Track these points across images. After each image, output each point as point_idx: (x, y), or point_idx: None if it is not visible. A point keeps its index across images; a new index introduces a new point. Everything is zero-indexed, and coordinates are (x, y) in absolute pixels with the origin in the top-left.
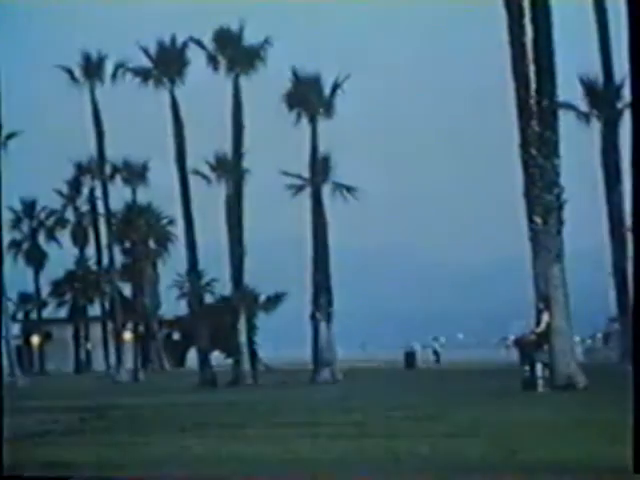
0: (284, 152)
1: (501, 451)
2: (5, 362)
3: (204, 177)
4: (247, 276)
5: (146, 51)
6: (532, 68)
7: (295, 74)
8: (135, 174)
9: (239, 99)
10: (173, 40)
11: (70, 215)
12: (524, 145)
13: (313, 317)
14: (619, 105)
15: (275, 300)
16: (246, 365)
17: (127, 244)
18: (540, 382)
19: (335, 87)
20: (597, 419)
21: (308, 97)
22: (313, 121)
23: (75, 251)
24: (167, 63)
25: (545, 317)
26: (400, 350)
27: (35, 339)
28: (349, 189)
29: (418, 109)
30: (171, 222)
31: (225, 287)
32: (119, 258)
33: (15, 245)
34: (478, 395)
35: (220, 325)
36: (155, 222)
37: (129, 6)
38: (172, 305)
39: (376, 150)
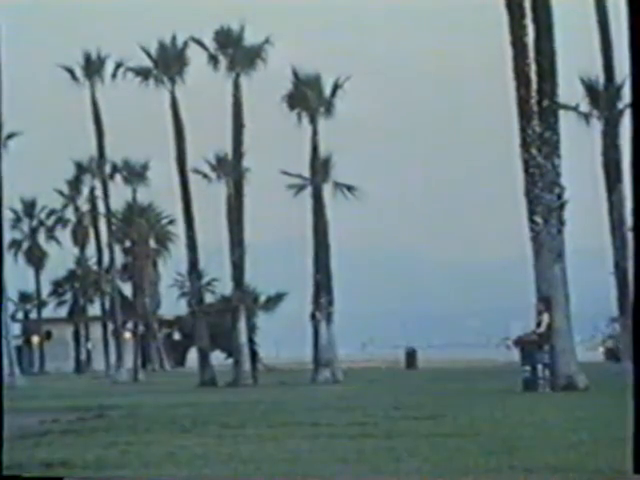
0: (284, 152)
1: (501, 451)
2: (5, 361)
3: (204, 176)
4: (247, 276)
5: (146, 50)
6: (533, 68)
7: (295, 74)
8: (135, 173)
9: (239, 99)
10: (173, 40)
11: (70, 214)
12: (525, 145)
13: (313, 317)
14: (620, 105)
15: (275, 300)
16: (246, 365)
17: (127, 243)
18: (541, 382)
19: (336, 87)
20: (597, 419)
21: (308, 97)
22: (314, 121)
23: (75, 251)
24: (167, 63)
25: (546, 317)
26: (401, 350)
27: (35, 339)
28: (350, 189)
29: (418, 109)
30: (171, 221)
31: (225, 287)
32: (119, 258)
33: (15, 244)
34: (478, 395)
35: (220, 325)
36: (155, 221)
37: (129, 6)
38: (172, 305)
39: (377, 150)
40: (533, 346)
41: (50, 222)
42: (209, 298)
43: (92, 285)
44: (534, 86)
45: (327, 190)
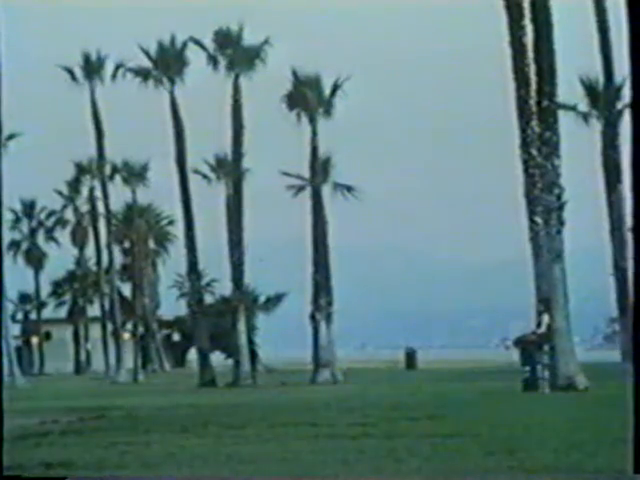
0: (284, 152)
1: (501, 451)
2: (5, 362)
3: (204, 177)
4: (247, 276)
5: (146, 51)
6: (532, 68)
7: (295, 74)
8: (135, 174)
9: (239, 99)
10: (173, 40)
11: (70, 215)
12: (524, 145)
13: (313, 317)
14: (619, 105)
15: (275, 300)
16: (246, 365)
17: (127, 244)
18: (541, 383)
19: (335, 87)
20: (597, 419)
21: (308, 97)
22: (313, 121)
23: (75, 251)
24: (167, 63)
25: (545, 318)
26: (400, 350)
27: (35, 339)
28: (349, 189)
29: (418, 108)
30: (171, 222)
31: (225, 287)
32: (119, 258)
33: (15, 245)
34: (478, 395)
35: (220, 325)
36: (155, 222)
37: (129, 6)
38: (172, 305)
39: (377, 150)
40: (533, 346)
41: (49, 223)
42: (209, 299)
43: (91, 286)
44: (533, 86)
45: (326, 190)
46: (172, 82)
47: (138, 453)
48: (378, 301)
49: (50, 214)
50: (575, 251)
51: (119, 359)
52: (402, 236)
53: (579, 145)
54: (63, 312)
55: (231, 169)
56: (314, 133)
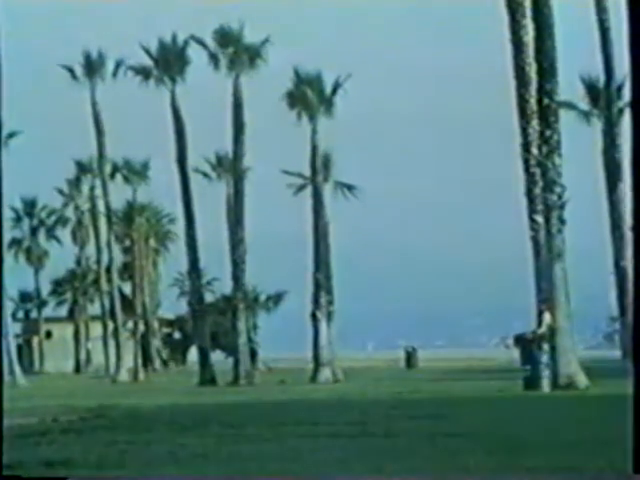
0: (285, 151)
1: (501, 451)
2: (5, 361)
3: (205, 176)
4: (248, 275)
5: (147, 50)
6: (533, 67)
7: (296, 73)
8: (136, 172)
9: (240, 98)
10: (174, 39)
11: (70, 214)
12: (525, 144)
13: (314, 316)
14: (620, 104)
15: (276, 299)
16: (246, 364)
17: (127, 243)
18: (541, 382)
19: (336, 86)
20: (598, 419)
21: (308, 96)
22: (314, 120)
23: (75, 250)
24: (168, 62)
25: (546, 317)
26: (401, 349)
27: (35, 338)
28: (350, 188)
29: (418, 108)
30: (172, 221)
31: (226, 286)
32: (119, 257)
33: (15, 244)
34: (478, 395)
35: (220, 324)
36: (156, 221)
37: (129, 5)
38: (172, 304)
39: (377, 149)
40: (533, 345)
41: (50, 221)
42: (209, 297)
43: (92, 284)
44: (534, 85)
45: (327, 189)
46: (173, 81)
47: (138, 452)
48: (378, 300)
49: (51, 213)
50: (575, 250)
51: (119, 358)
52: (402, 235)
53: (580, 144)
54: (64, 311)
55: (232, 167)
56: (315, 132)
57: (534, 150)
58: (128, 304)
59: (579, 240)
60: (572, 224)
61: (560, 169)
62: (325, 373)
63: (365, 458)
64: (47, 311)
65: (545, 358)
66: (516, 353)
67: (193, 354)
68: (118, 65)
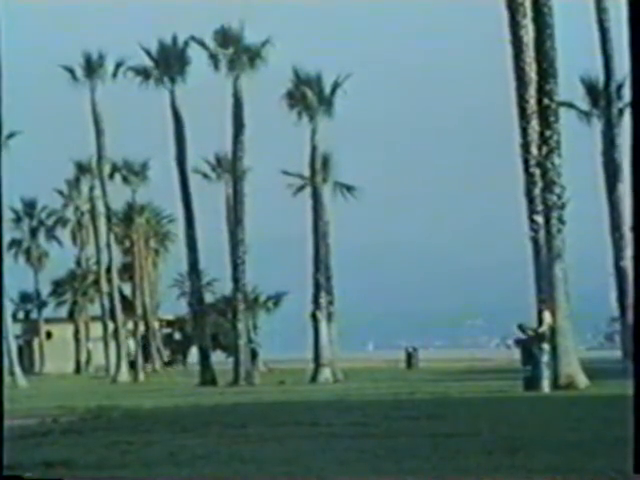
0: (284, 151)
1: (501, 451)
2: (5, 361)
3: (204, 176)
4: (248, 275)
5: (147, 50)
6: (533, 67)
7: (296, 73)
8: (135, 173)
9: (240, 98)
10: (174, 39)
11: (70, 214)
12: (525, 144)
13: (314, 316)
14: (620, 104)
15: (276, 299)
16: (246, 365)
17: (127, 243)
18: (542, 382)
19: (335, 86)
20: (598, 419)
21: (308, 96)
22: (313, 120)
23: (75, 250)
24: (168, 62)
25: (546, 317)
26: (401, 349)
27: (35, 339)
28: (349, 188)
29: (419, 108)
30: (171, 221)
31: (226, 286)
32: (119, 257)
33: (15, 244)
34: (479, 395)
35: (221, 325)
36: (155, 221)
37: (129, 6)
38: (172, 304)
39: (377, 149)
40: (534, 345)
41: (50, 222)
42: (209, 298)
43: (92, 285)
44: (534, 85)
45: (327, 189)
46: (173, 81)
47: (139, 452)
48: (378, 301)
49: (50, 213)
50: (575, 250)
51: (120, 358)
52: (403, 235)
53: (580, 144)
54: (64, 311)
55: (231, 168)
56: (314, 132)
57: (534, 150)
58: (128, 305)
59: (579, 240)
60: (572, 224)
61: (560, 169)
62: (325, 373)
63: (365, 458)
64: (47, 312)
65: (546, 358)
66: (517, 353)
67: (193, 355)
68: (118, 65)
